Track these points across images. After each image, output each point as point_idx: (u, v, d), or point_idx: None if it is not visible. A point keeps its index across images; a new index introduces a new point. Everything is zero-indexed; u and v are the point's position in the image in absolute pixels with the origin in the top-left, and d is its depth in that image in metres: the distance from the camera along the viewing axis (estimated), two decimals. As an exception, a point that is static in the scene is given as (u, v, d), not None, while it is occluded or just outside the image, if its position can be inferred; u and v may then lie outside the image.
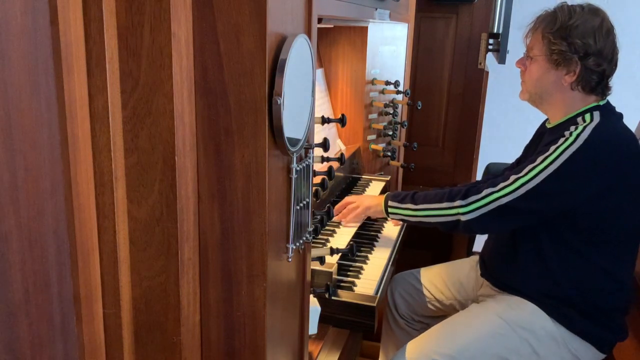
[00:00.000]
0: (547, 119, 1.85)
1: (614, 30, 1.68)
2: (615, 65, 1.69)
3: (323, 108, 2.19)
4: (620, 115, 1.75)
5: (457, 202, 1.67)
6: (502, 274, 1.85)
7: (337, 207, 1.94)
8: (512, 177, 1.63)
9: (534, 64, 1.72)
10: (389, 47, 2.46)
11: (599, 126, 1.61)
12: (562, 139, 1.61)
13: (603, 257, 1.68)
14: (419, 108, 2.53)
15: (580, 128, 1.61)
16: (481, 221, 1.66)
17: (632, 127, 2.37)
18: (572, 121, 1.68)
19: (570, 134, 1.60)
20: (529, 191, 1.59)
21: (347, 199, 1.97)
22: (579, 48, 1.62)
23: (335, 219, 1.92)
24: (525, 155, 1.98)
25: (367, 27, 2.18)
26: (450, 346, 1.71)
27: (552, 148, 1.60)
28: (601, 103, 1.71)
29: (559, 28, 1.64)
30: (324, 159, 1.31)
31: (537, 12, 1.75)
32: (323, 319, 1.47)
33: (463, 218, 1.67)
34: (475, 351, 1.70)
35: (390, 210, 1.84)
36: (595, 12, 1.67)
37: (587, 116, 1.66)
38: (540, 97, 1.75)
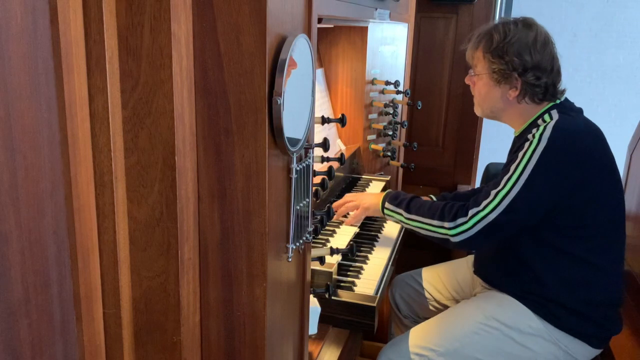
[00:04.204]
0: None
1: (550, 40, 1.71)
2: (559, 73, 1.72)
3: (323, 108, 2.19)
4: (580, 110, 1.77)
5: (446, 224, 1.68)
6: (490, 273, 1.87)
7: (335, 204, 1.95)
8: (492, 193, 1.64)
9: (480, 81, 1.77)
10: (389, 47, 2.46)
11: (560, 122, 1.64)
12: (527, 143, 1.63)
13: (586, 251, 1.69)
14: (419, 108, 2.53)
15: (541, 128, 1.63)
16: (471, 241, 1.67)
17: (633, 127, 2.38)
18: (533, 125, 1.72)
19: (534, 136, 1.63)
20: (511, 202, 1.61)
21: (347, 196, 1.97)
22: (517, 65, 1.66)
23: (334, 218, 1.92)
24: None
25: (367, 27, 2.18)
26: (433, 341, 1.73)
27: (520, 154, 1.63)
28: (558, 101, 1.74)
29: (495, 47, 1.69)
30: (324, 159, 1.31)
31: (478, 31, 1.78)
32: (323, 319, 1.47)
33: (452, 240, 1.69)
34: (458, 346, 1.72)
35: (386, 211, 1.85)
36: (529, 26, 1.70)
37: (547, 116, 1.69)
38: (492, 111, 1.81)
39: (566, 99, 1.76)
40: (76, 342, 0.90)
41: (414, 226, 1.77)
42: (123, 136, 0.91)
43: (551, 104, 1.73)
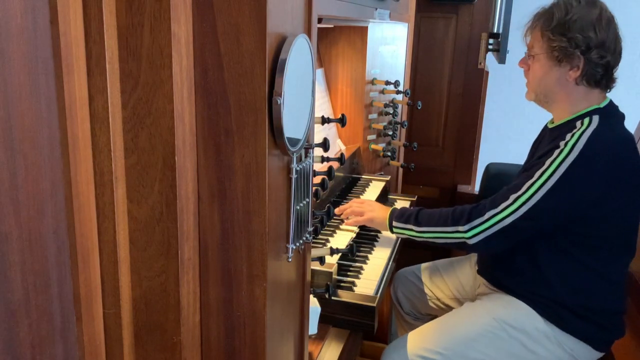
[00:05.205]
0: (549, 120, 1.84)
1: (614, 19, 1.65)
2: (620, 55, 1.66)
3: (323, 108, 2.19)
4: (622, 117, 1.72)
5: (461, 227, 1.66)
6: (496, 273, 1.86)
7: (340, 208, 1.94)
8: (512, 196, 1.61)
9: (536, 63, 1.70)
10: (389, 47, 2.46)
11: (595, 134, 1.58)
12: (557, 151, 1.58)
13: (596, 260, 1.67)
14: (419, 108, 2.53)
15: (576, 136, 1.58)
16: (487, 243, 1.65)
17: (632, 128, 2.37)
18: (570, 125, 1.66)
19: (566, 144, 1.58)
20: (530, 209, 1.58)
21: (354, 202, 1.95)
22: (580, 42, 1.60)
23: (336, 211, 1.92)
24: (529, 159, 1.96)
25: (367, 27, 2.18)
26: (439, 343, 1.72)
27: (548, 162, 1.58)
28: (602, 105, 1.68)
29: (556, 24, 1.62)
30: (324, 159, 1.31)
31: (536, 10, 1.74)
32: (323, 319, 1.47)
33: (469, 242, 1.67)
34: (464, 348, 1.71)
35: (395, 230, 1.83)
36: (593, 3, 1.64)
37: (586, 120, 1.63)
38: (545, 95, 1.73)
39: (610, 102, 1.71)
40: (76, 342, 0.90)
41: (427, 237, 1.75)
42: (123, 136, 0.91)
43: (595, 106, 1.67)
